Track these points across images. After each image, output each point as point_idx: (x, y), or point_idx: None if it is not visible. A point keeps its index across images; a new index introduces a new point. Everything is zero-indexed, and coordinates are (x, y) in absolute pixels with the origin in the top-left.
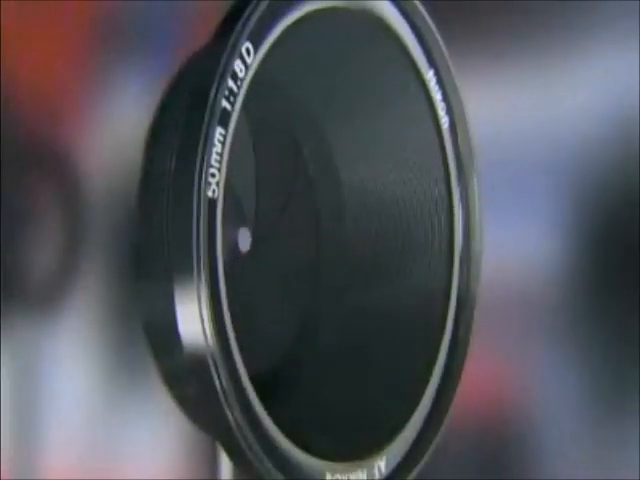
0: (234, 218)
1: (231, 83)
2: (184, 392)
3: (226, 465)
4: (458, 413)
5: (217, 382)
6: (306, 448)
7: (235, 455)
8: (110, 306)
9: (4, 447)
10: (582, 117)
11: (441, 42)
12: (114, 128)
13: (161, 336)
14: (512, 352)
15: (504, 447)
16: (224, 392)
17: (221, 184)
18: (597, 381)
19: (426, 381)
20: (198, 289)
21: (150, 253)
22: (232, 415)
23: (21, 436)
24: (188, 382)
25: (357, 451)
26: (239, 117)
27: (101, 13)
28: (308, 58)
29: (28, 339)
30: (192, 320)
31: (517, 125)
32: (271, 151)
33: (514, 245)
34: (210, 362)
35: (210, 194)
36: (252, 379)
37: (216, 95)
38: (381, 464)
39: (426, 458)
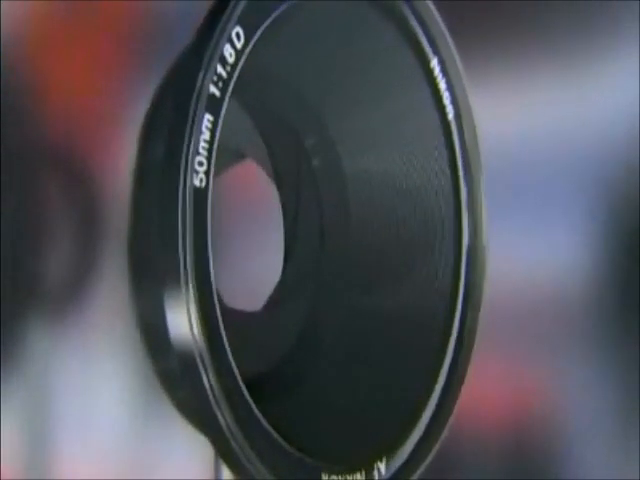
0: None
1: (220, 68)
2: (178, 394)
3: None
4: (484, 424)
5: (206, 383)
6: (303, 448)
7: (226, 456)
8: (128, 312)
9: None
10: (613, 120)
11: (445, 29)
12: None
13: (153, 337)
14: (540, 362)
15: (532, 459)
16: (213, 392)
17: (211, 173)
18: (628, 391)
19: (431, 384)
20: (185, 287)
21: (140, 249)
22: (222, 415)
23: (35, 447)
24: (181, 384)
25: (357, 452)
26: (238, 108)
27: (133, 25)
28: (306, 46)
29: (44, 346)
30: (181, 321)
31: (545, 128)
32: (275, 144)
33: (543, 252)
34: (199, 363)
35: (197, 183)
36: (252, 380)
37: (203, 80)
38: (381, 466)
39: (428, 461)
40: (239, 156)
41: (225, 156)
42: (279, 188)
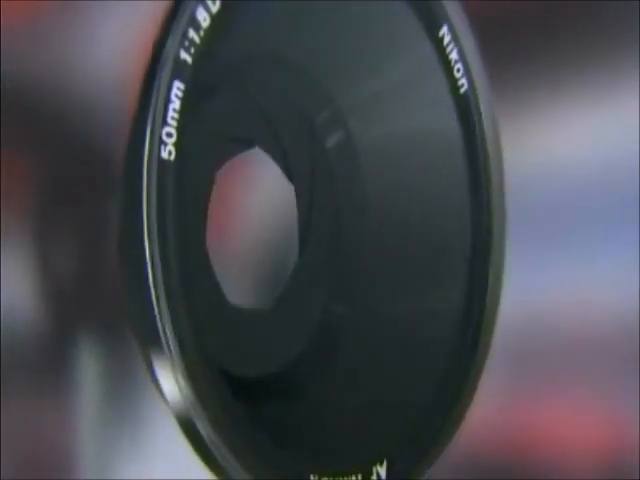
0: None
1: (192, 32)
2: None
3: None
4: (577, 457)
5: (180, 385)
6: (299, 450)
7: (200, 452)
8: None
9: None
10: None
11: None
12: None
13: (139, 340)
14: (633, 389)
15: None
16: (185, 395)
17: (182, 146)
18: None
19: (442, 390)
20: (153, 276)
21: (120, 232)
22: (195, 414)
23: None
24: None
25: (355, 454)
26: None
27: None
28: (301, 15)
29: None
30: (149, 316)
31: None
32: (283, 128)
33: (618, 280)
34: (168, 363)
35: (165, 155)
36: (258, 380)
37: (172, 43)
38: (381, 470)
39: (433, 468)
40: (245, 144)
41: (229, 144)
42: (291, 178)
